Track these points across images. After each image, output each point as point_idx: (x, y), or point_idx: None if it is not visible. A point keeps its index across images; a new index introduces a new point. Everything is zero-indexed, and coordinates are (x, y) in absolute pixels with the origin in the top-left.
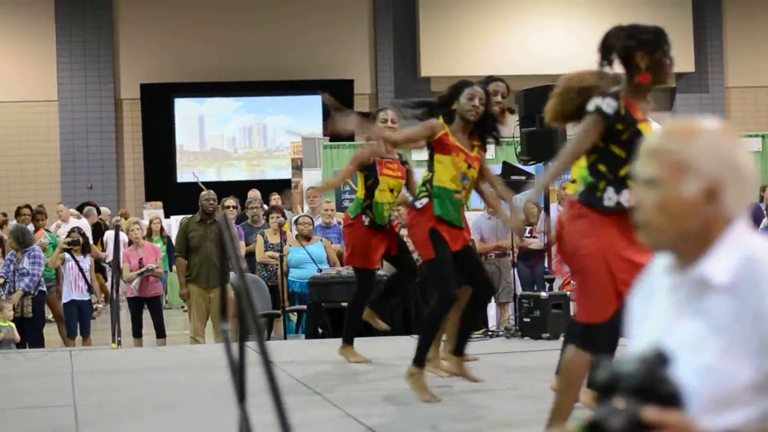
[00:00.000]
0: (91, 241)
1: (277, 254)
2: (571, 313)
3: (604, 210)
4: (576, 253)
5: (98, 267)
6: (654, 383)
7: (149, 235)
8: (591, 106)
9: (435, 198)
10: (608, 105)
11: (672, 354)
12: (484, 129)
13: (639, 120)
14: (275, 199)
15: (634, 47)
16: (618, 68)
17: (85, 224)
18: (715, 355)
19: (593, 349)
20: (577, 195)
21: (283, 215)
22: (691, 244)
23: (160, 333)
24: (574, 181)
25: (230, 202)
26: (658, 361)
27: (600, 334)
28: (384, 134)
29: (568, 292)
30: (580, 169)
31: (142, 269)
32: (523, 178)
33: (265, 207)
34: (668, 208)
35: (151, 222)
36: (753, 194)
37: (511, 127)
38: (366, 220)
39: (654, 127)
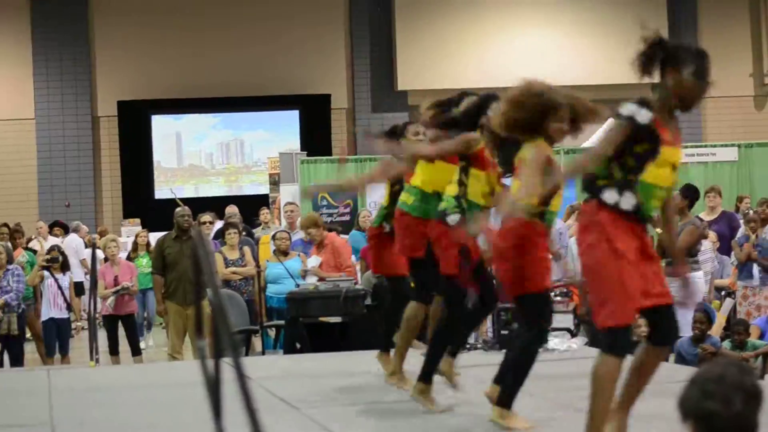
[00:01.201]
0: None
1: (241, 269)
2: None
3: (605, 205)
4: (589, 255)
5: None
6: None
7: (135, 250)
8: (625, 111)
9: (468, 213)
10: (643, 116)
11: None
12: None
13: (665, 141)
14: (264, 213)
15: (668, 61)
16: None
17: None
18: None
19: (622, 352)
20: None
21: (249, 234)
22: None
23: (135, 350)
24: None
25: (206, 217)
26: None
27: (627, 337)
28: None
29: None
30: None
31: (117, 287)
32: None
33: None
34: None
35: (137, 236)
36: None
37: None
38: (387, 227)
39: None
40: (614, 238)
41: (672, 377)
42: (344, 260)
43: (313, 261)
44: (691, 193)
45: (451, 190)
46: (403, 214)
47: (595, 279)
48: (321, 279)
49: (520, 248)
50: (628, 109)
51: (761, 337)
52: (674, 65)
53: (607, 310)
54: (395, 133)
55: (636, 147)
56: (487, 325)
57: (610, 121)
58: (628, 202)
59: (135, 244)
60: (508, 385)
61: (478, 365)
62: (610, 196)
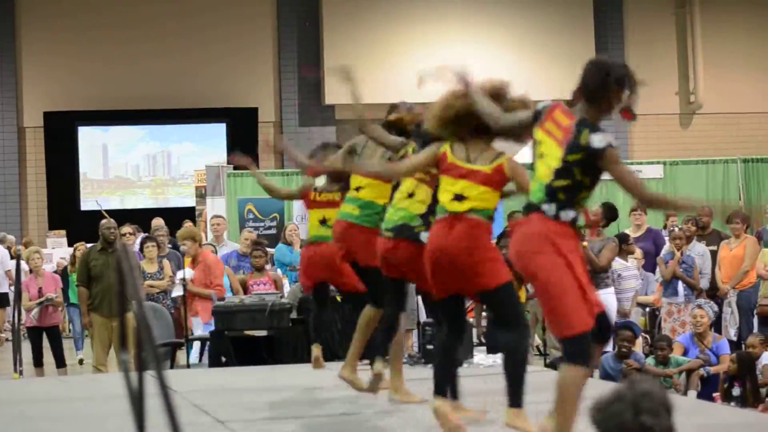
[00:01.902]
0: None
1: (157, 282)
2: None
3: (562, 222)
4: (539, 263)
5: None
6: None
7: (73, 264)
8: (604, 143)
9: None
10: (610, 138)
11: None
12: None
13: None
14: (188, 225)
15: (612, 84)
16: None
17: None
18: None
19: (586, 360)
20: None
21: (175, 246)
22: None
23: (60, 362)
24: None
25: (126, 229)
26: None
27: (589, 344)
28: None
29: (471, 319)
30: (539, 186)
31: (41, 299)
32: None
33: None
34: None
35: (75, 249)
36: None
37: None
38: None
39: None
40: (564, 249)
41: (597, 393)
42: (215, 277)
43: (187, 273)
44: (610, 213)
45: (415, 208)
46: (352, 226)
47: (549, 290)
48: (190, 294)
49: (474, 248)
50: (606, 140)
51: (685, 353)
52: (620, 87)
53: (567, 320)
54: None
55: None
56: (412, 339)
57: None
58: (568, 215)
59: (73, 257)
60: (516, 386)
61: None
62: (566, 215)
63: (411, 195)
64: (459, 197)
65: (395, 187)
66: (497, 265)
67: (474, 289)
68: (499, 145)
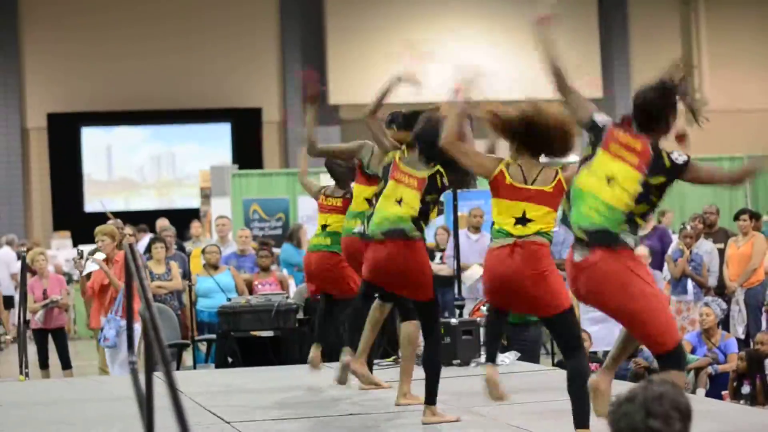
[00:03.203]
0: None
1: (166, 283)
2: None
3: (629, 248)
4: (635, 290)
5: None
6: None
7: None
8: (684, 156)
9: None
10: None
11: None
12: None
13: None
14: (195, 227)
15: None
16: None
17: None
18: None
19: (685, 365)
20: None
21: (181, 247)
22: None
23: (66, 364)
24: None
25: (127, 230)
26: None
27: (683, 351)
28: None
29: (479, 319)
30: (611, 212)
31: (46, 301)
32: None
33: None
34: None
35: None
36: None
37: None
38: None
39: None
40: (641, 272)
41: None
42: None
43: (99, 256)
44: None
45: (407, 211)
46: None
47: (642, 317)
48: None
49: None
50: (682, 153)
51: (693, 351)
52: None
53: (665, 336)
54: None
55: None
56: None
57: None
58: (637, 241)
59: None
60: (584, 407)
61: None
62: (630, 239)
63: (400, 201)
64: (523, 220)
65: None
66: (562, 290)
67: (539, 314)
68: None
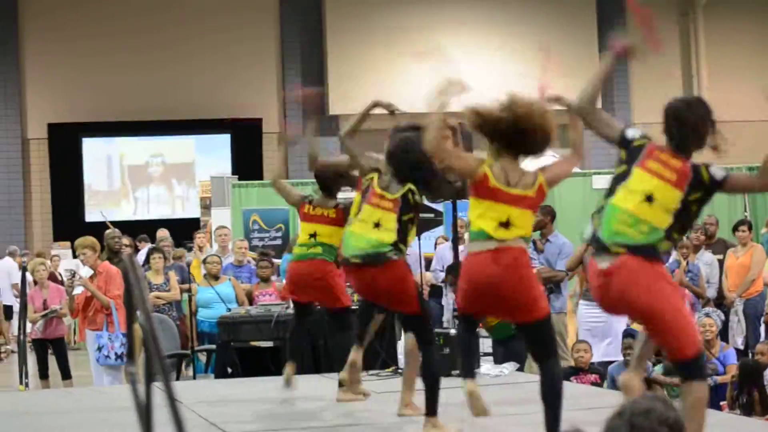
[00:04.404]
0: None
1: (164, 294)
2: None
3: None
4: (663, 291)
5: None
6: None
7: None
8: (723, 170)
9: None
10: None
11: None
12: None
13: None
14: (200, 237)
15: (709, 123)
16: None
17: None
18: None
19: (705, 376)
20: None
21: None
22: None
23: (65, 374)
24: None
25: (124, 241)
26: None
27: (703, 361)
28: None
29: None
30: (651, 230)
31: (46, 311)
32: (432, 215)
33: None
34: None
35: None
36: None
37: None
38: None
39: None
40: (670, 279)
41: (604, 402)
42: (116, 288)
43: (85, 272)
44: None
45: (387, 236)
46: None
47: (666, 317)
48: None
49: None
50: (719, 167)
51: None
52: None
53: (687, 341)
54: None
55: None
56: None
57: None
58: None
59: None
60: (559, 413)
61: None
62: (665, 253)
63: (378, 225)
64: (506, 224)
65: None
66: (542, 295)
67: (519, 320)
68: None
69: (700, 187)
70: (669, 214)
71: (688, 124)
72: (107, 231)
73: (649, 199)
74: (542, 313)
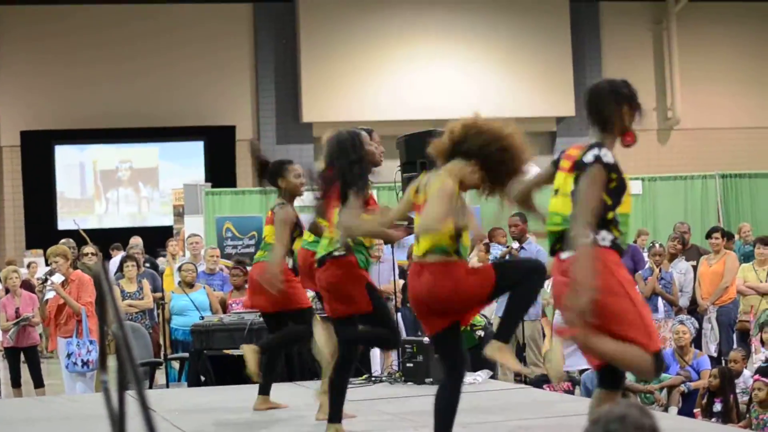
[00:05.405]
0: None
1: (137, 302)
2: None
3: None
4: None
5: None
6: None
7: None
8: (590, 157)
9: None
10: (607, 155)
11: None
12: None
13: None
14: (172, 245)
15: (621, 102)
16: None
17: None
18: None
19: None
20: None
21: (153, 265)
22: None
23: (38, 383)
24: None
25: (88, 249)
26: None
27: (661, 359)
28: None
29: None
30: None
31: (19, 319)
32: (405, 222)
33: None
34: None
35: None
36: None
37: (392, 172)
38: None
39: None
40: (618, 274)
41: (577, 410)
42: (87, 295)
43: (57, 279)
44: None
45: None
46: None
47: (618, 315)
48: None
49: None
50: (591, 155)
51: (666, 370)
52: (630, 105)
53: (643, 338)
54: (268, 170)
55: (610, 185)
56: (392, 357)
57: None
58: (606, 239)
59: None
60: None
61: (382, 398)
62: (603, 240)
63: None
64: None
65: None
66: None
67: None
68: None
69: (578, 168)
70: (569, 199)
71: (594, 109)
72: (62, 240)
73: (555, 193)
74: (465, 322)
